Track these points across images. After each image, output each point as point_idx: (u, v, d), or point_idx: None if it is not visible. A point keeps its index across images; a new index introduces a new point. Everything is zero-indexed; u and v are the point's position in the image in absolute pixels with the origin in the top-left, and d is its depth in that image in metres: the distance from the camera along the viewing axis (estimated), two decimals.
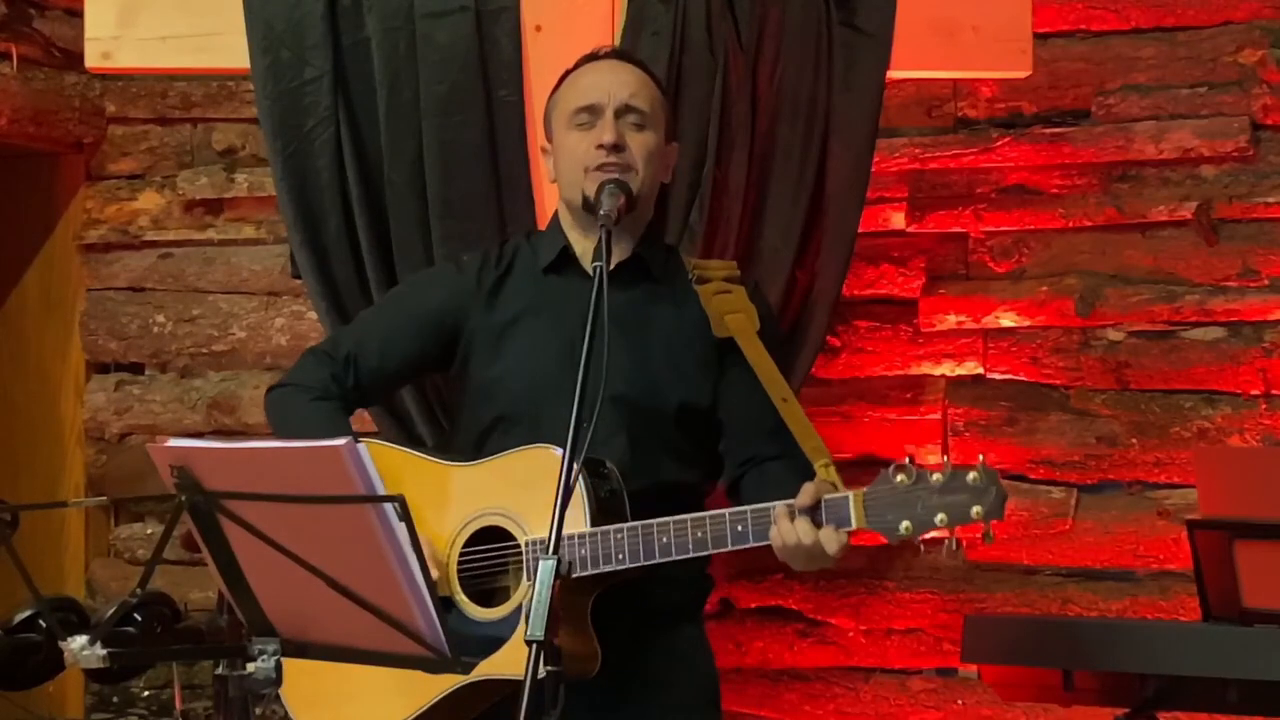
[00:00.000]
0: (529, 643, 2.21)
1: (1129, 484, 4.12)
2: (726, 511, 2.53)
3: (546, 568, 2.24)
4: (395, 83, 3.51)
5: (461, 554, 2.70)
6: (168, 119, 4.83)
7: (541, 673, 2.20)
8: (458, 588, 2.69)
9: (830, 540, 2.46)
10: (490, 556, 2.69)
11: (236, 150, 4.76)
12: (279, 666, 2.33)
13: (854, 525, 2.45)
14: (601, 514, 2.59)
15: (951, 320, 4.21)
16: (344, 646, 2.35)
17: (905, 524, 2.40)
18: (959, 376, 4.20)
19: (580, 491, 2.57)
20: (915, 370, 4.23)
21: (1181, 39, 4.11)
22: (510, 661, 2.54)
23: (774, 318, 2.97)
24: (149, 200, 4.84)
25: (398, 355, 2.91)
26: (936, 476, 2.39)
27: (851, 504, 2.45)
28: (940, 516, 2.37)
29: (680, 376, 2.79)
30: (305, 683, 2.76)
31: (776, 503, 2.51)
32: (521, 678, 2.20)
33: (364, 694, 2.70)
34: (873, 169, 3.60)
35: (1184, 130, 4.06)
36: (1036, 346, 4.16)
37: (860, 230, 3.61)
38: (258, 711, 2.35)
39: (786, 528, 2.48)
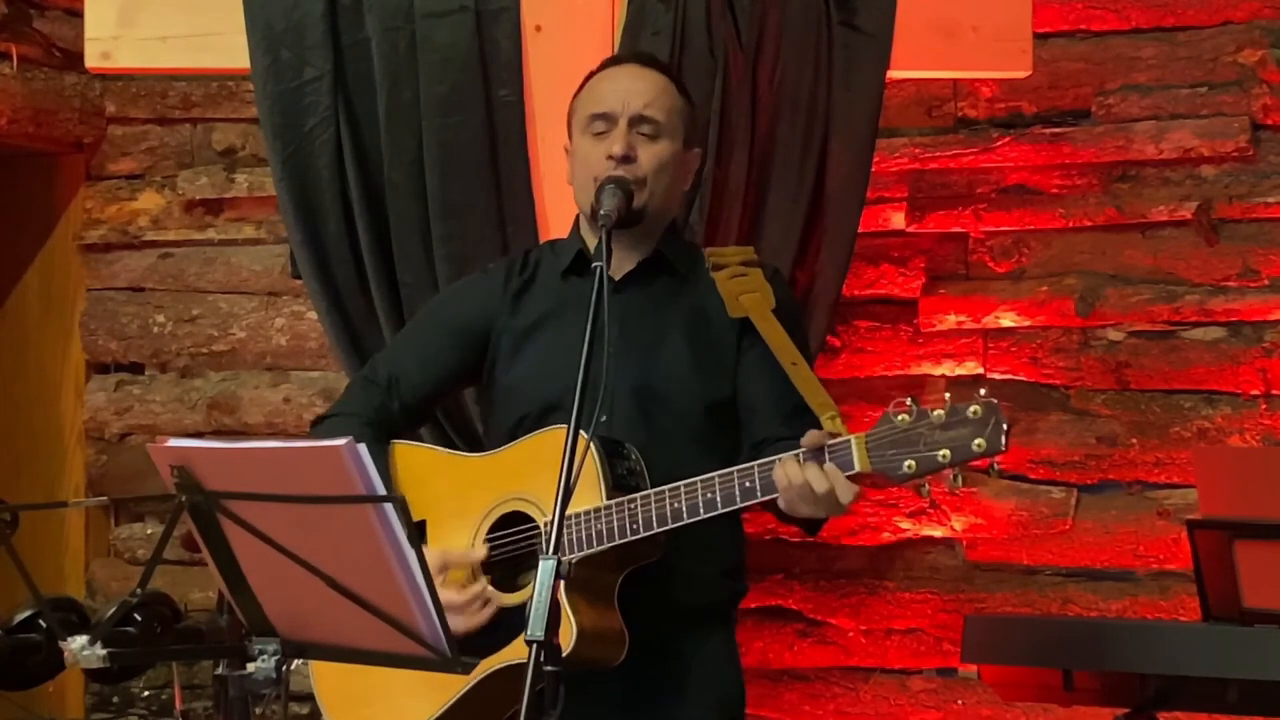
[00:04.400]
0: (529, 643, 2.21)
1: (1129, 484, 4.12)
2: (734, 469, 2.52)
3: (546, 568, 2.24)
4: (395, 83, 3.51)
5: (486, 540, 2.72)
6: (168, 119, 4.82)
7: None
8: (482, 576, 2.70)
9: (836, 479, 2.44)
10: (513, 540, 2.70)
11: (236, 150, 4.76)
12: (280, 666, 2.33)
13: (857, 468, 2.43)
14: (619, 490, 2.59)
15: (951, 320, 4.21)
16: (344, 646, 2.35)
17: (909, 463, 2.38)
18: (959, 376, 4.20)
19: (595, 469, 2.58)
20: (915, 370, 4.23)
21: (1181, 39, 4.11)
22: None
23: (794, 300, 2.95)
24: (149, 200, 4.83)
25: (436, 368, 2.94)
26: (937, 413, 2.37)
27: (854, 447, 2.43)
28: (943, 453, 2.35)
29: (702, 368, 2.79)
30: (336, 685, 2.79)
31: (781, 455, 2.50)
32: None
33: (392, 692, 2.71)
34: (873, 169, 3.60)
35: (1184, 130, 4.06)
36: (1036, 346, 4.16)
37: (860, 230, 3.62)
38: (258, 711, 2.35)
39: (792, 469, 2.46)
